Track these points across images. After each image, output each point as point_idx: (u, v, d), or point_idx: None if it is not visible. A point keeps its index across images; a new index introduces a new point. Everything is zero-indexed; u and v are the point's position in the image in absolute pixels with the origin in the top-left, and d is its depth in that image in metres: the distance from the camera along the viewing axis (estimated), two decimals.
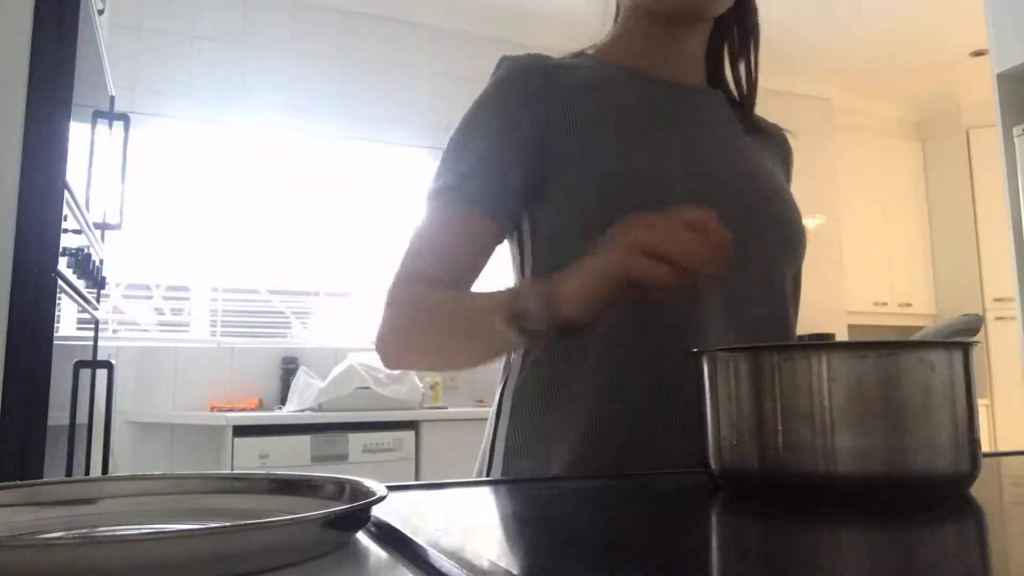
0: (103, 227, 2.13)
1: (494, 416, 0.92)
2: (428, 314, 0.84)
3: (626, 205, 0.82)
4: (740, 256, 0.83)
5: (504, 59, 0.93)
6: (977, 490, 0.56)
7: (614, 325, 0.81)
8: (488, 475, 0.89)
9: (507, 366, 0.93)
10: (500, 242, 0.90)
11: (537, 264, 0.89)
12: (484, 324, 0.76)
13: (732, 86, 1.01)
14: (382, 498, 0.46)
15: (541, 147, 0.86)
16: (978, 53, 4.46)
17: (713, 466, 0.59)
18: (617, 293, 0.68)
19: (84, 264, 1.77)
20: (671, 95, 0.93)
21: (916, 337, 0.68)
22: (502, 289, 0.79)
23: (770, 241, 0.90)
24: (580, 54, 0.99)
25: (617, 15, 1.00)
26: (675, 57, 0.95)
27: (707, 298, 0.84)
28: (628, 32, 0.97)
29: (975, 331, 0.71)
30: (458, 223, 0.86)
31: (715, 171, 0.89)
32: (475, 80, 0.96)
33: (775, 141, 1.04)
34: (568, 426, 0.83)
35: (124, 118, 2.11)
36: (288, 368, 3.49)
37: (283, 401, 3.41)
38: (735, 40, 1.00)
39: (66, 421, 1.66)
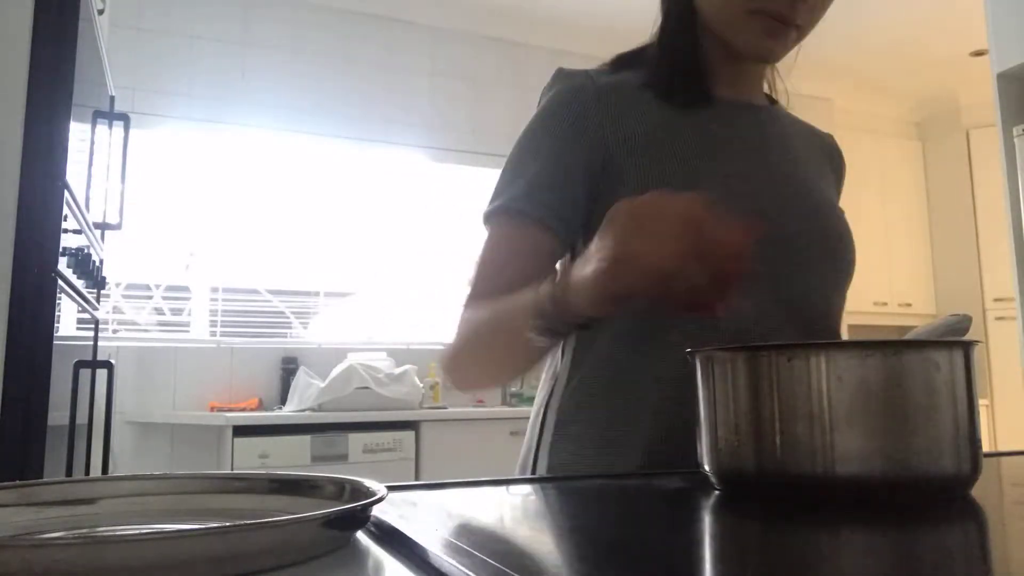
0: (103, 227, 2.12)
1: (538, 426, 0.92)
2: (481, 327, 0.83)
3: None
4: (792, 278, 0.84)
5: (560, 73, 0.92)
6: (977, 490, 0.56)
7: (662, 344, 0.82)
8: None
9: (553, 376, 0.92)
10: (564, 256, 0.89)
11: None
12: (516, 327, 0.76)
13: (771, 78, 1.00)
14: (382, 498, 0.46)
15: (598, 163, 0.86)
16: (978, 53, 4.46)
17: (710, 467, 0.59)
18: (610, 298, 0.66)
19: (84, 264, 1.77)
20: (728, 114, 0.92)
21: (908, 337, 0.68)
22: (530, 289, 0.76)
23: (822, 263, 0.89)
24: (639, 59, 0.95)
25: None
26: (735, 75, 0.94)
27: (759, 325, 0.83)
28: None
29: (964, 331, 0.71)
30: (521, 241, 0.85)
31: (766, 192, 0.88)
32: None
33: (828, 151, 1.03)
34: (613, 446, 0.83)
35: (124, 118, 2.11)
36: (288, 368, 3.49)
37: (283, 401, 3.41)
38: None
39: (66, 421, 1.66)
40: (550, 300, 0.71)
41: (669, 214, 0.61)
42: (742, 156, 0.90)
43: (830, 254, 0.90)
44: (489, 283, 0.85)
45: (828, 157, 1.02)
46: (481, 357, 0.85)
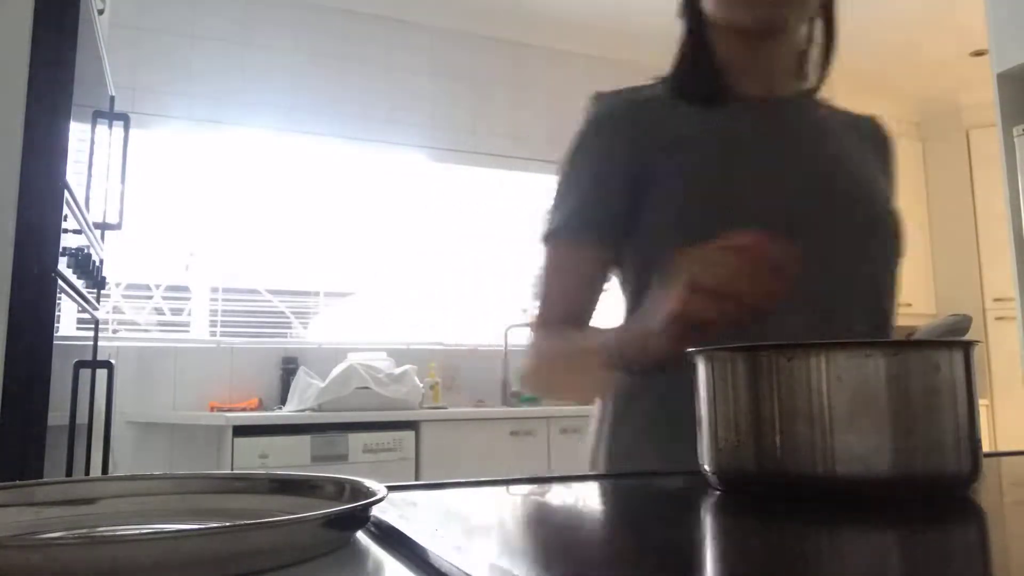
0: (103, 227, 2.12)
1: (598, 416, 0.98)
2: (552, 356, 0.96)
3: (707, 228, 0.84)
4: (827, 263, 0.86)
5: (596, 95, 0.98)
6: (977, 490, 0.56)
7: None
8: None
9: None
10: (615, 267, 0.96)
11: (634, 285, 0.93)
12: (590, 364, 0.88)
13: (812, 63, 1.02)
14: (382, 498, 0.46)
15: (635, 173, 0.91)
16: (978, 53, 4.46)
17: (710, 467, 0.59)
18: (687, 331, 0.69)
19: (84, 264, 1.76)
20: (754, 111, 0.94)
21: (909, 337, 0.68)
22: (604, 329, 0.87)
23: (861, 244, 0.91)
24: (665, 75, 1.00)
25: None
26: (761, 69, 0.96)
27: (795, 315, 0.85)
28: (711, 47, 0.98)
29: (964, 331, 0.71)
30: (573, 261, 0.95)
31: (800, 183, 0.90)
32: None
33: (870, 135, 1.04)
34: (671, 430, 0.86)
35: (124, 118, 2.11)
36: (288, 368, 3.49)
37: (283, 401, 3.41)
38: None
39: (66, 421, 1.66)
40: (626, 339, 0.79)
41: (727, 252, 0.67)
42: (771, 152, 0.92)
43: (878, 244, 0.92)
44: (556, 305, 0.95)
45: (871, 141, 1.03)
46: (557, 381, 1.00)
